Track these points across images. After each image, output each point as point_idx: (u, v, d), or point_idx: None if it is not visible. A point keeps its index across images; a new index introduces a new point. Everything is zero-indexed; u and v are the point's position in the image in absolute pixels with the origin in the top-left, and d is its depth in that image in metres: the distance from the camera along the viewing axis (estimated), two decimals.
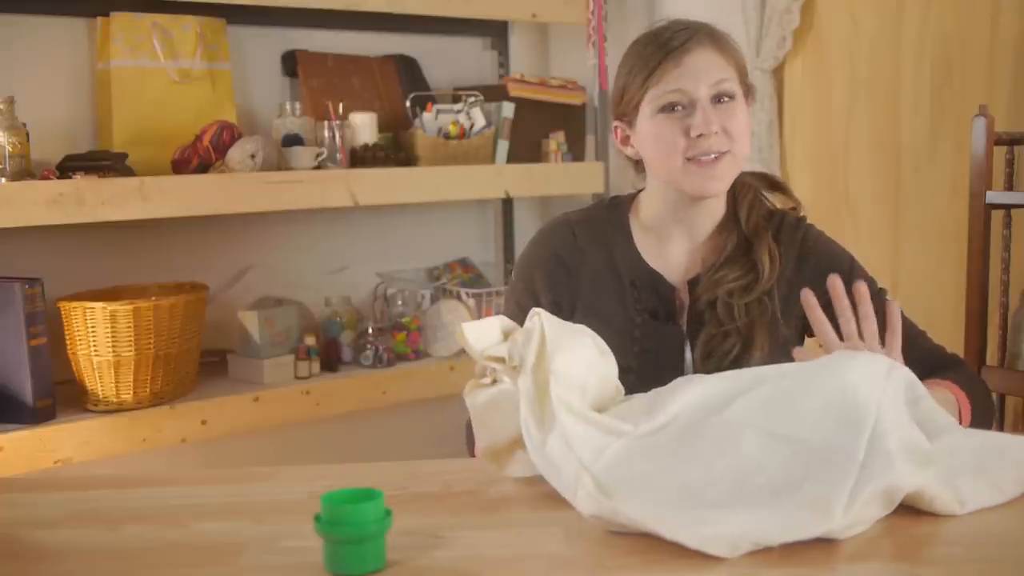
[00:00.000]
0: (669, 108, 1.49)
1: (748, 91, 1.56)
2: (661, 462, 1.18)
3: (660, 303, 1.56)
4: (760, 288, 1.53)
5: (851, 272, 1.59)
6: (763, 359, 1.50)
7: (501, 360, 1.25)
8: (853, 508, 1.09)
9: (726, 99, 1.49)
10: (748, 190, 1.61)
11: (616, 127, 1.59)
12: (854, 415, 1.17)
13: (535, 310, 1.26)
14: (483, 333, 1.26)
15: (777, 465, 1.15)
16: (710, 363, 1.52)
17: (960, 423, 1.40)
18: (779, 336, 1.54)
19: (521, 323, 1.38)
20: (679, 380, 1.32)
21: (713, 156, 1.48)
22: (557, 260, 1.59)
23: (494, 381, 1.29)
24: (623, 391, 1.34)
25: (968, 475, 1.21)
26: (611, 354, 1.32)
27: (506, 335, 1.27)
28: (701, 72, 1.48)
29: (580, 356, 1.26)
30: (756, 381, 1.24)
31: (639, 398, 1.32)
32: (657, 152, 1.52)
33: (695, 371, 1.53)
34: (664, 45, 1.49)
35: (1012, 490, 1.22)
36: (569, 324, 1.29)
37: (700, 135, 1.47)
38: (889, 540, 1.12)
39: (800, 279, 1.57)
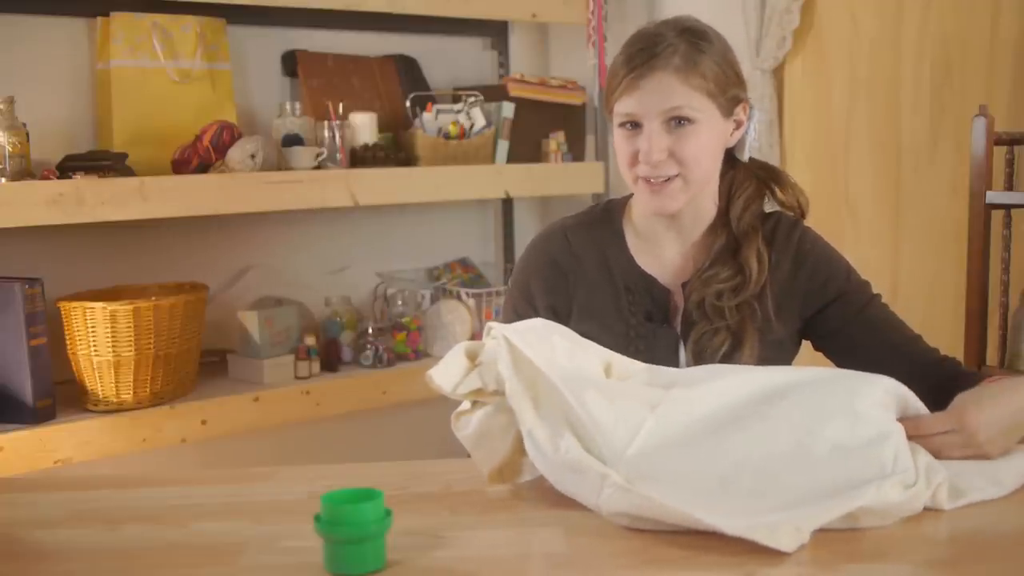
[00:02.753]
0: (625, 126, 1.51)
1: (733, 102, 1.53)
2: (697, 453, 1.18)
3: (655, 306, 1.57)
4: (749, 291, 1.53)
5: (847, 278, 1.58)
6: (753, 360, 1.50)
7: (478, 392, 1.26)
8: (879, 507, 1.12)
9: (685, 122, 1.48)
10: (747, 186, 1.59)
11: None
12: (880, 428, 1.19)
13: (490, 324, 1.28)
14: (449, 370, 1.27)
15: (811, 467, 1.16)
16: (701, 361, 1.52)
17: None
18: (770, 337, 1.54)
19: None
20: (709, 367, 1.34)
21: (662, 179, 1.49)
22: (553, 266, 1.60)
23: (474, 404, 1.29)
24: (616, 363, 1.35)
25: (967, 470, 1.23)
26: (582, 340, 1.33)
27: (471, 357, 1.28)
28: (655, 97, 1.47)
29: (560, 354, 1.27)
30: (794, 384, 1.24)
31: (658, 370, 1.33)
32: (619, 163, 1.55)
33: None
34: (627, 63, 1.49)
35: (1010, 483, 1.23)
36: (529, 325, 1.30)
37: (642, 161, 1.48)
38: (890, 540, 1.12)
39: (796, 283, 1.56)
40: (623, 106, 1.50)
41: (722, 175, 1.60)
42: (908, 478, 1.16)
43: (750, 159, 1.62)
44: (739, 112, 1.55)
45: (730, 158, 1.61)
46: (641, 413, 1.22)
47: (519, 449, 1.25)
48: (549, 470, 1.21)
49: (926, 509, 1.18)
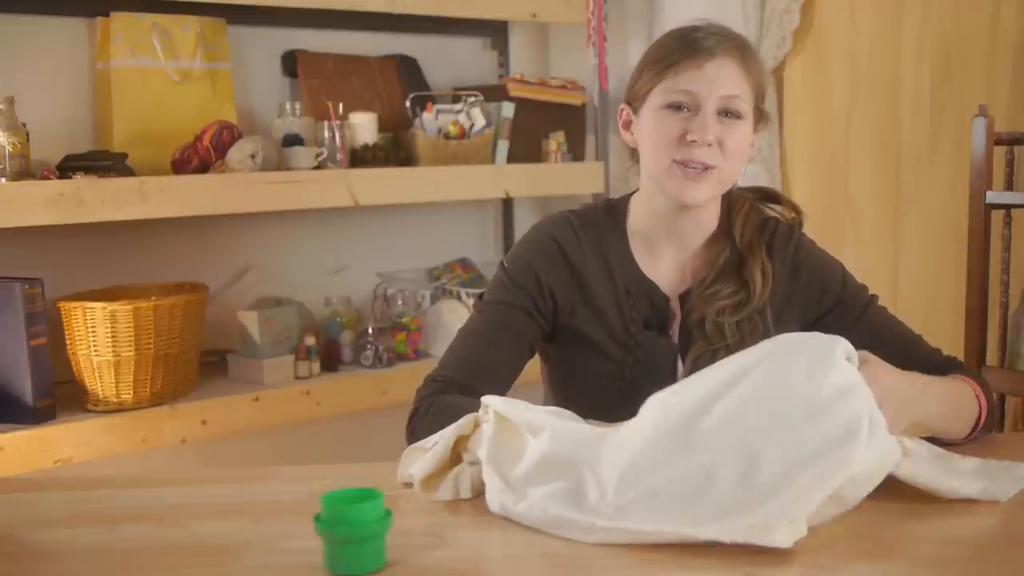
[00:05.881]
0: (675, 107, 1.47)
1: (760, 116, 1.53)
2: (678, 451, 1.18)
3: (654, 313, 1.54)
4: (752, 306, 1.51)
5: (843, 283, 1.58)
6: None
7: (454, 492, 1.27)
8: (868, 457, 1.12)
9: (732, 116, 1.46)
10: (743, 203, 1.58)
11: (622, 109, 1.57)
12: (846, 378, 1.20)
13: (485, 401, 1.28)
14: (427, 466, 1.27)
15: (788, 428, 1.16)
16: None
17: (979, 418, 1.42)
18: None
19: (505, 319, 1.49)
20: (659, 395, 1.29)
21: (700, 168, 1.46)
22: (561, 254, 1.55)
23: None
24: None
25: (967, 477, 1.24)
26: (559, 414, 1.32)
27: (459, 446, 1.29)
28: (717, 81, 1.45)
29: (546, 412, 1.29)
30: (754, 360, 1.24)
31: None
32: (651, 146, 1.50)
33: None
34: (692, 43, 1.47)
35: (1008, 489, 1.24)
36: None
37: (693, 141, 1.44)
38: (890, 540, 1.12)
39: (794, 290, 1.56)
40: (680, 83, 1.46)
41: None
42: (883, 427, 1.16)
43: (739, 187, 1.62)
44: (757, 132, 1.54)
45: None
46: (626, 436, 1.22)
47: (447, 465, 1.28)
48: (536, 525, 1.18)
49: (922, 511, 1.18)
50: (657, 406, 1.23)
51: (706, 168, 1.46)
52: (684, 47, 1.47)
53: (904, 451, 1.21)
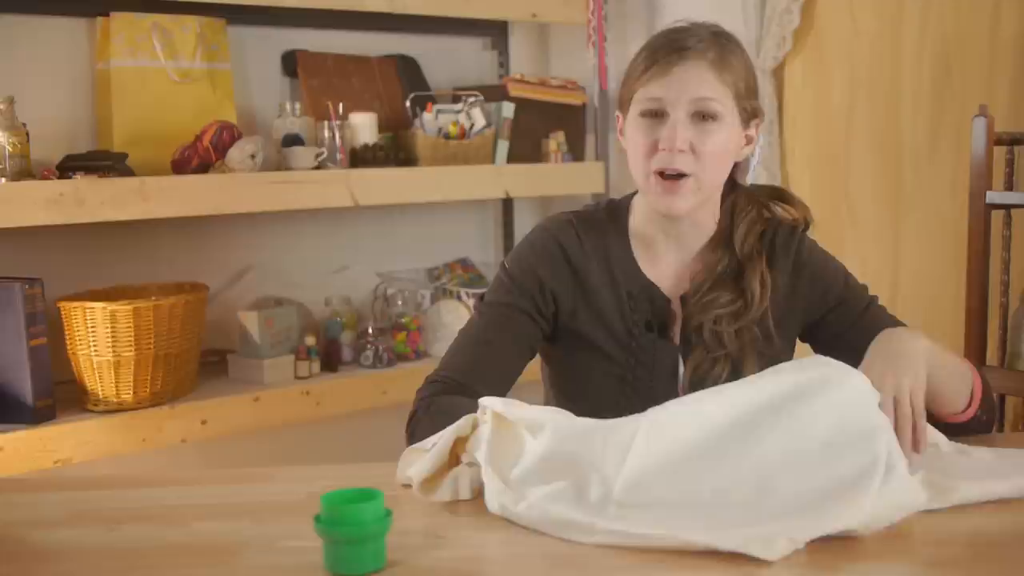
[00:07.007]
0: (649, 114, 1.46)
1: (751, 114, 1.51)
2: (688, 472, 1.17)
3: (655, 315, 1.54)
4: (750, 316, 1.50)
5: (845, 284, 1.57)
6: None
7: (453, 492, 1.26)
8: (881, 502, 1.11)
9: (708, 119, 1.45)
10: (750, 208, 1.57)
11: (618, 116, 1.57)
12: (871, 422, 1.19)
13: (483, 403, 1.26)
14: (425, 467, 1.27)
15: (803, 465, 1.15)
16: (700, 387, 1.49)
17: (971, 398, 1.42)
18: (769, 357, 1.51)
19: (506, 320, 1.48)
20: (681, 405, 1.28)
21: (676, 175, 1.45)
22: (564, 256, 1.54)
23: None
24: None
25: (964, 479, 1.24)
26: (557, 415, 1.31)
27: (460, 444, 1.28)
28: (685, 85, 1.43)
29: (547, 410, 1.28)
30: (777, 391, 1.22)
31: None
32: (632, 157, 1.50)
33: (687, 390, 1.50)
34: (665, 46, 1.46)
35: (1008, 491, 1.24)
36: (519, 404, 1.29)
37: (664, 149, 1.44)
38: (890, 540, 1.12)
39: (795, 293, 1.55)
40: (649, 91, 1.45)
41: (723, 196, 1.57)
42: (901, 473, 1.15)
43: (751, 184, 1.61)
44: (752, 127, 1.53)
45: (730, 180, 1.58)
46: (628, 431, 1.20)
47: (446, 466, 1.27)
48: (536, 526, 1.18)
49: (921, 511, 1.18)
50: (677, 419, 1.21)
51: (681, 175, 1.45)
52: (656, 51, 1.47)
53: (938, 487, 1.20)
